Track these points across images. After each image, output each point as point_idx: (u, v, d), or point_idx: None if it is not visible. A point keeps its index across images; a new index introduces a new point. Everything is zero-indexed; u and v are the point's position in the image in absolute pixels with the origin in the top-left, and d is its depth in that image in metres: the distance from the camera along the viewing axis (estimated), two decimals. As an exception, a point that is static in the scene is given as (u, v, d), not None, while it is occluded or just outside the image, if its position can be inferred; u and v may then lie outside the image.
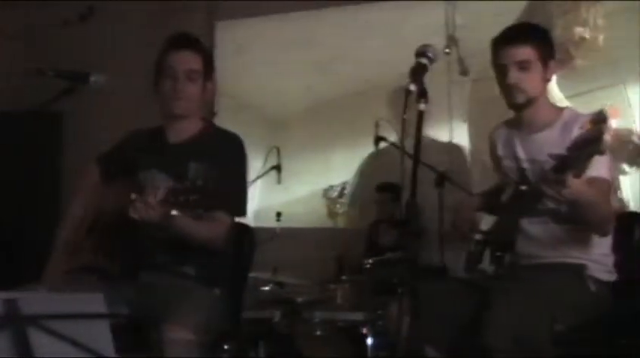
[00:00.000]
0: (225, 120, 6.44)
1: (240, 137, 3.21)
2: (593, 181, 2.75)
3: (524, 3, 5.60)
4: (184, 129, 3.15)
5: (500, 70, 2.97)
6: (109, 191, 3.07)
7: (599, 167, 2.73)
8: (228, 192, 2.98)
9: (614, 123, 2.30)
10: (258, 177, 5.65)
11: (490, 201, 3.19)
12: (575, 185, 2.50)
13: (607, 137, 2.27)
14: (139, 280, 3.00)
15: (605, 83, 5.39)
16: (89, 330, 2.10)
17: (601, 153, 2.32)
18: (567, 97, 5.26)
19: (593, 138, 2.31)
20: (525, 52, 2.92)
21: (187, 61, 3.07)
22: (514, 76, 2.91)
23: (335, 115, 6.43)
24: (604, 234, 2.87)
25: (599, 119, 2.31)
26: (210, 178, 2.91)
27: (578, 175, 2.49)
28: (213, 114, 6.52)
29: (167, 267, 3.02)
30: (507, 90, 2.95)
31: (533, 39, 2.95)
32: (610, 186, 2.85)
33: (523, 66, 2.91)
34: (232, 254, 3.24)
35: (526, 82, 2.92)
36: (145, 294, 2.94)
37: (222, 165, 2.99)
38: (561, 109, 3.02)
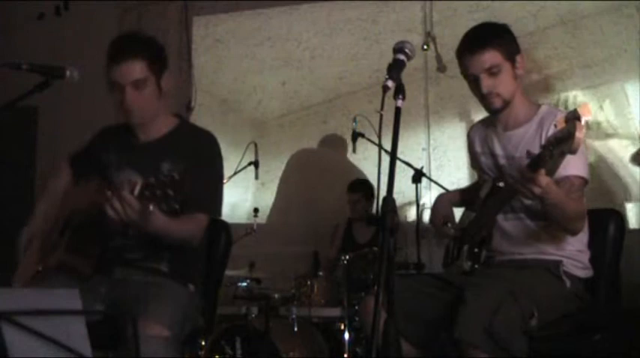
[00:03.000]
0: (201, 115, 6.46)
1: (213, 135, 3.16)
2: (566, 180, 2.78)
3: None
4: (155, 128, 3.09)
5: (472, 80, 2.94)
6: (81, 191, 3.02)
7: (572, 165, 2.75)
8: (204, 192, 2.95)
9: (585, 121, 2.31)
10: (235, 173, 5.64)
11: (468, 198, 3.21)
12: (545, 183, 2.51)
13: (579, 135, 2.28)
14: (113, 277, 2.99)
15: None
16: (65, 326, 2.08)
17: (573, 151, 2.32)
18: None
19: (565, 136, 2.31)
20: (492, 58, 2.88)
21: (130, 72, 2.93)
22: (487, 84, 2.89)
23: (310, 111, 6.44)
24: (573, 234, 2.88)
25: (572, 117, 2.31)
26: (184, 178, 2.89)
27: (551, 173, 2.50)
28: (189, 108, 6.51)
29: (140, 264, 3.00)
30: (483, 98, 2.94)
31: (495, 41, 2.91)
32: (583, 184, 2.87)
33: (493, 71, 2.88)
34: (208, 250, 3.23)
35: (499, 86, 2.90)
36: (119, 291, 2.93)
37: (196, 165, 2.94)
38: (537, 106, 3.02)
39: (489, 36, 2.93)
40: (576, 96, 5.47)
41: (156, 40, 3.08)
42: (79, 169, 3.20)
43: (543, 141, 2.48)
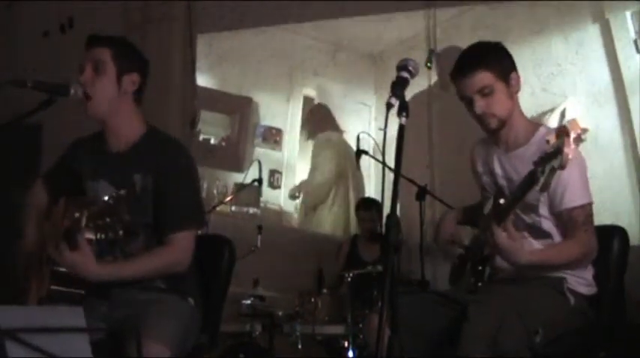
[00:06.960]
0: (205, 132, 6.49)
1: (182, 144, 3.12)
2: (567, 215, 2.80)
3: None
4: (124, 134, 3.04)
5: (467, 102, 2.95)
6: (58, 212, 2.92)
7: (571, 196, 2.77)
8: (182, 207, 2.93)
9: (574, 136, 2.31)
10: (239, 190, 5.66)
11: (472, 215, 3.20)
12: (499, 240, 2.62)
13: (567, 151, 2.28)
14: (111, 298, 2.95)
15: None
16: (68, 344, 2.08)
17: (562, 167, 2.32)
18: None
19: (555, 152, 2.32)
20: (483, 79, 2.88)
21: (93, 54, 3.01)
22: (480, 104, 2.90)
23: (315, 128, 6.45)
24: (584, 265, 2.90)
25: (561, 133, 2.32)
26: (157, 189, 2.88)
27: (544, 189, 2.48)
28: (194, 125, 6.52)
29: (135, 284, 2.94)
30: (479, 119, 2.95)
31: (485, 61, 2.91)
32: (589, 211, 2.85)
33: (485, 92, 2.89)
34: (212, 267, 3.22)
35: (493, 106, 2.90)
36: (120, 311, 2.91)
37: (169, 179, 2.92)
38: (537, 126, 3.02)
39: (479, 57, 2.93)
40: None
41: (125, 40, 3.18)
42: (54, 187, 3.17)
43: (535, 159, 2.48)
